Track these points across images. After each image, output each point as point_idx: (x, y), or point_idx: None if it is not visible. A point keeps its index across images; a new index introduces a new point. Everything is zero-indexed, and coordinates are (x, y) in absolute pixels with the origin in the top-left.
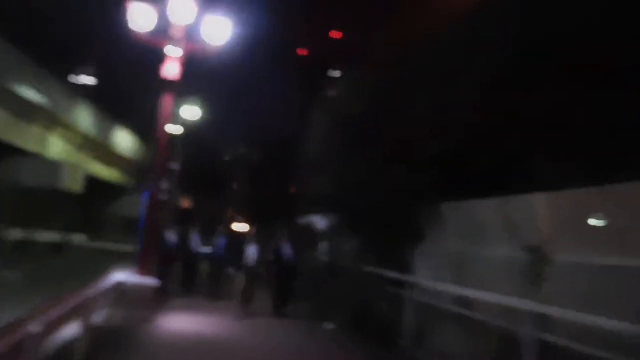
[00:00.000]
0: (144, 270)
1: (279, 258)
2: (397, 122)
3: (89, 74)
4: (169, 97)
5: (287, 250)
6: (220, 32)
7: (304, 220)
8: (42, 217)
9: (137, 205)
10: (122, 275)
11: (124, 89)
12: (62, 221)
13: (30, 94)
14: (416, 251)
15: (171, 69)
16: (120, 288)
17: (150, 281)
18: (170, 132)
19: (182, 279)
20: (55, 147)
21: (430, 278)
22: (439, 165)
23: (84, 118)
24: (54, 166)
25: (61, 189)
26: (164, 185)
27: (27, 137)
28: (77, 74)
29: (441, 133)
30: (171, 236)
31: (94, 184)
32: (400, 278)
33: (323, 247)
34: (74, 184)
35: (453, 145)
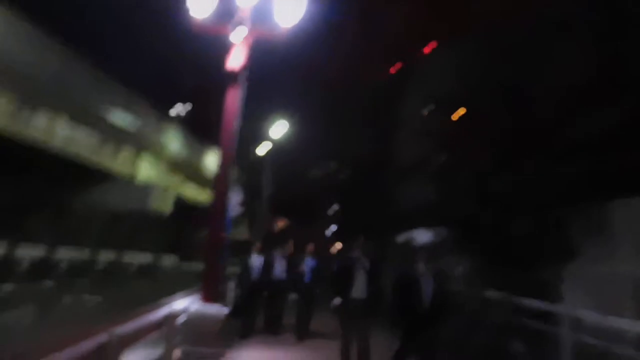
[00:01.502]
0: (208, 296)
1: (411, 300)
2: (528, 98)
3: (179, 96)
4: (234, 91)
5: (425, 286)
6: (291, 9)
7: (402, 237)
8: (132, 239)
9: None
10: (181, 303)
11: (215, 111)
12: (153, 243)
13: (120, 118)
14: (566, 271)
15: (236, 58)
16: (175, 319)
17: (216, 309)
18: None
19: (265, 315)
20: (145, 170)
21: (594, 310)
22: (600, 149)
23: (174, 141)
24: (143, 189)
25: (151, 211)
26: (236, 197)
27: (116, 161)
28: (168, 97)
29: (602, 103)
30: (256, 262)
31: (184, 205)
32: (546, 309)
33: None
34: (164, 206)
35: (622, 118)
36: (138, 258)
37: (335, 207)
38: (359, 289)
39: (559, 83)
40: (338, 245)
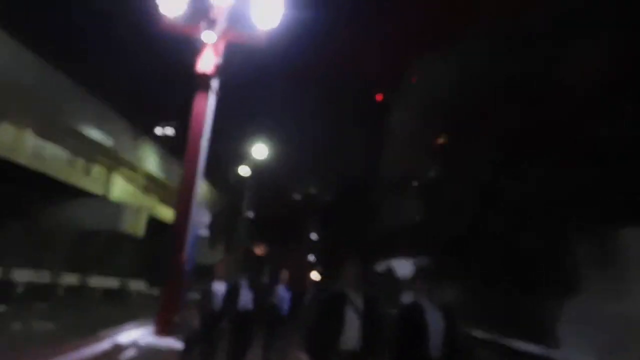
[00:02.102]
0: (164, 327)
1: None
2: (532, 97)
3: (155, 114)
4: (203, 96)
5: (434, 326)
6: (268, 12)
7: (381, 266)
8: (100, 261)
9: (204, 251)
10: (129, 334)
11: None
12: (122, 266)
13: (93, 132)
14: (568, 309)
15: (207, 61)
16: (120, 353)
17: (170, 343)
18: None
19: (228, 350)
20: (118, 188)
21: (597, 356)
22: (614, 155)
23: (149, 158)
24: (115, 208)
25: (122, 231)
26: (203, 216)
27: (88, 178)
28: (143, 114)
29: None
30: (219, 289)
31: (158, 226)
32: (542, 353)
33: (408, 301)
34: (137, 227)
35: None
36: (105, 282)
37: (319, 232)
38: (350, 337)
39: (568, 85)
40: (318, 274)
